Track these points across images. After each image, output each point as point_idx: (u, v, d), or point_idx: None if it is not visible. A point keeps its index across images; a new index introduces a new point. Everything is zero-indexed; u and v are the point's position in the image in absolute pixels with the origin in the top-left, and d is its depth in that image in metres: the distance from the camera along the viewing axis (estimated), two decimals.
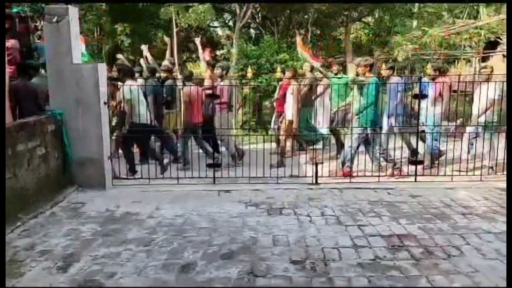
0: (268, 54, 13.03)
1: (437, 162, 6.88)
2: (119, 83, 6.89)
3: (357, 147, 6.58)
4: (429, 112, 6.87)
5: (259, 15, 17.82)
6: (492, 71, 6.69)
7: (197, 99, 7.23)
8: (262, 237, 4.17)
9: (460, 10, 19.63)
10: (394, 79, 7.13)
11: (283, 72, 7.70)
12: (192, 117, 7.31)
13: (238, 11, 13.92)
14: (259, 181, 6.20)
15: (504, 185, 5.78)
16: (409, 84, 8.16)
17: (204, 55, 9.07)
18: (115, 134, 7.07)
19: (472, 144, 6.81)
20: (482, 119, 6.63)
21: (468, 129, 6.88)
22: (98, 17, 14.78)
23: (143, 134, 6.65)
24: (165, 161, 6.95)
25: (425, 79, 6.82)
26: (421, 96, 6.49)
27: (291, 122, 7.37)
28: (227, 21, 20.50)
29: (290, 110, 7.38)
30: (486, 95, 6.36)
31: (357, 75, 6.73)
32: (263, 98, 12.14)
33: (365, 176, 6.41)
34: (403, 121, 7.34)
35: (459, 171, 6.58)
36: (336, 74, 8.02)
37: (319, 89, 8.12)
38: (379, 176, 6.23)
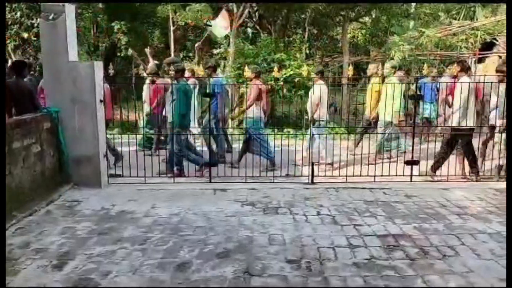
0: (265, 54, 13.00)
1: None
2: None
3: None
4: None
5: (256, 14, 17.81)
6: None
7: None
8: (258, 236, 4.17)
9: (457, 11, 19.69)
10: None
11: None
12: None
13: (235, 10, 13.87)
14: (255, 180, 6.20)
15: (499, 185, 5.81)
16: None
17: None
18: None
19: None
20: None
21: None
22: (94, 15, 14.72)
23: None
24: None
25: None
26: (418, 96, 6.50)
27: None
28: None
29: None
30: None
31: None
32: None
33: (360, 176, 6.42)
34: None
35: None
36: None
37: None
38: (374, 176, 6.24)
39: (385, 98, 7.26)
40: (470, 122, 6.32)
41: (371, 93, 7.99)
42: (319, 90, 7.22)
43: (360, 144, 7.74)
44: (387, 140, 7.70)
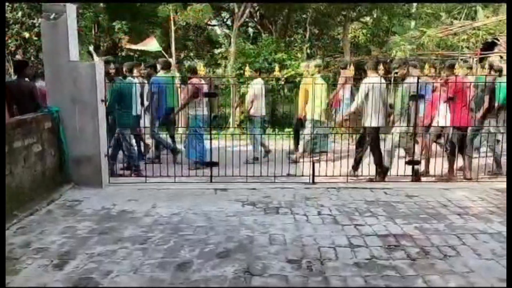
0: (266, 53, 13.01)
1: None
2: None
3: None
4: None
5: (258, 14, 17.80)
6: None
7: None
8: (258, 236, 4.17)
9: (458, 11, 19.68)
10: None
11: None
12: None
13: (236, 10, 13.88)
14: (256, 180, 6.20)
15: (500, 185, 5.80)
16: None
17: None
18: None
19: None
20: None
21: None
22: (95, 15, 14.72)
23: None
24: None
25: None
26: (419, 97, 6.49)
27: None
28: (225, 19, 20.48)
29: None
30: None
31: None
32: None
33: (362, 175, 6.42)
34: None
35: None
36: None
37: None
38: (375, 176, 6.24)
39: (313, 97, 7.16)
40: (374, 122, 6.30)
41: (303, 92, 8.00)
42: (253, 87, 7.43)
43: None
44: (314, 139, 7.54)
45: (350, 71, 7.30)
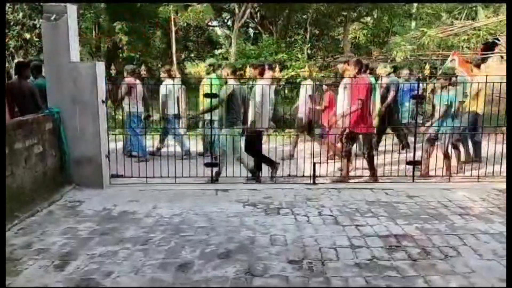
0: (266, 54, 13.03)
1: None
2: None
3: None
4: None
5: (258, 14, 17.82)
6: None
7: None
8: (259, 237, 4.17)
9: (459, 11, 19.66)
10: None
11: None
12: None
13: (237, 11, 13.90)
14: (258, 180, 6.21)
15: (501, 186, 5.79)
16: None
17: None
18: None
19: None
20: None
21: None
22: (96, 16, 14.74)
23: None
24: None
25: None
26: (419, 97, 6.50)
27: None
28: (225, 20, 20.50)
29: None
30: None
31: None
32: None
33: (362, 176, 6.42)
34: None
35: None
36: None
37: None
38: (376, 176, 6.24)
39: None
40: (259, 124, 6.37)
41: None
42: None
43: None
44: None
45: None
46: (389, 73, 7.86)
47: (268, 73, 8.42)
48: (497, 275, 3.38)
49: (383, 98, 7.68)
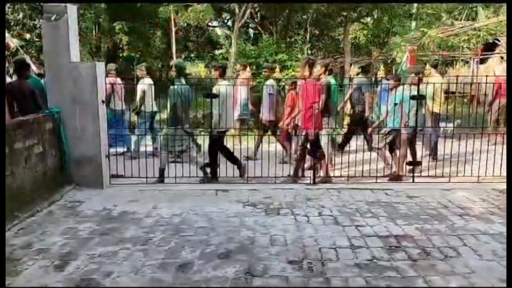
0: (266, 54, 13.03)
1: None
2: None
3: None
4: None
5: (258, 15, 17.83)
6: None
7: None
8: (259, 237, 4.17)
9: (459, 11, 19.67)
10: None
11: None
12: None
13: (237, 11, 13.90)
14: (257, 181, 6.21)
15: (501, 186, 5.80)
16: None
17: None
18: None
19: None
20: None
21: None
22: (96, 16, 14.75)
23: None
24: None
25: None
26: (420, 97, 6.49)
27: None
28: (226, 20, 20.51)
29: None
30: None
31: None
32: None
33: (362, 176, 6.42)
34: None
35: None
36: None
37: None
38: (376, 176, 6.24)
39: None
40: (223, 124, 6.51)
41: None
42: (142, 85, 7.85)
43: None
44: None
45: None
46: (358, 73, 7.85)
47: (243, 74, 8.72)
48: (497, 275, 3.38)
49: (357, 99, 7.56)
